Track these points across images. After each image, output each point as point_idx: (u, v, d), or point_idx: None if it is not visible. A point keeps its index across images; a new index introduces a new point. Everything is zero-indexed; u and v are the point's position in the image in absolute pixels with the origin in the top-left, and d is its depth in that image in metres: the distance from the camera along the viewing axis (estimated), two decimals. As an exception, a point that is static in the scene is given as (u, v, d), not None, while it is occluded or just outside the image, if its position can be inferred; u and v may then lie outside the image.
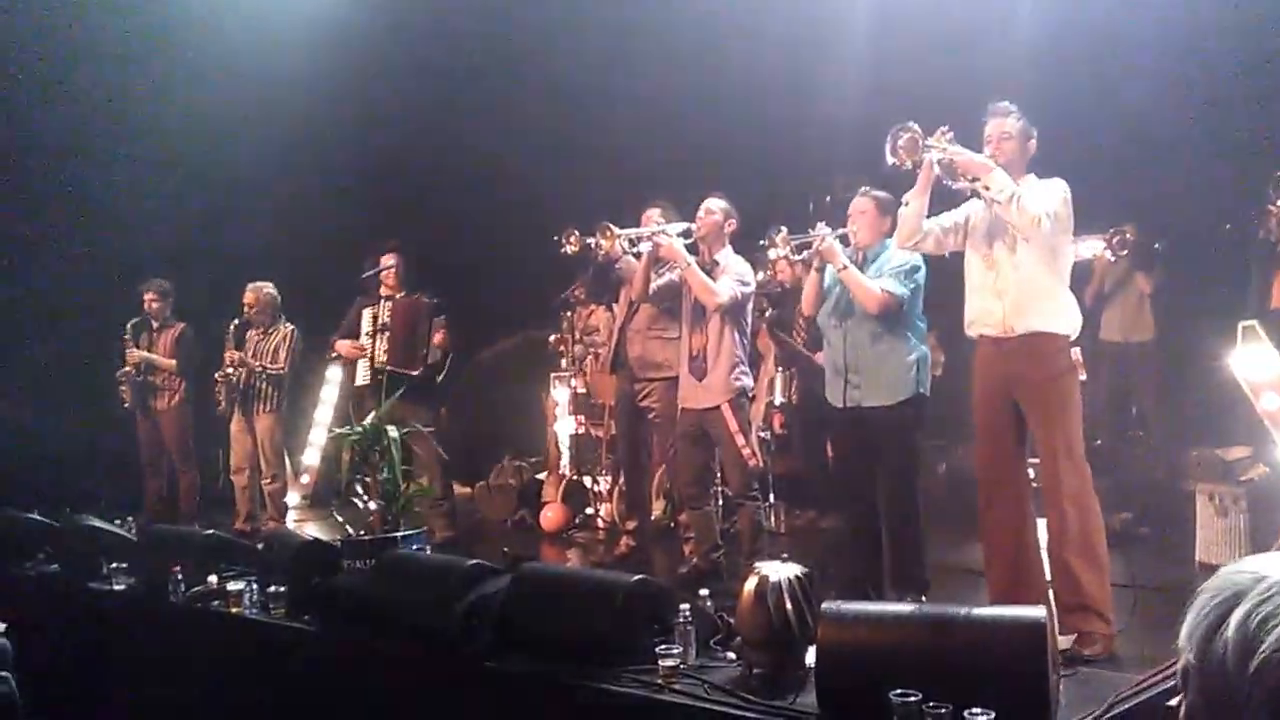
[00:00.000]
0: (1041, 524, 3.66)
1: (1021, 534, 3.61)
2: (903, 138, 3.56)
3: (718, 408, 4.56)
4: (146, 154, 7.36)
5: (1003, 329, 3.55)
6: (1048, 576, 3.60)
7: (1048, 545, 3.57)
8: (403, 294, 6.06)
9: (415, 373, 5.84)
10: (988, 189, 3.50)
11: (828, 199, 6.03)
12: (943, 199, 3.82)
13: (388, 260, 6.05)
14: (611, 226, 4.72)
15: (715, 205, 4.71)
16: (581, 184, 7.11)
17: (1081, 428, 3.55)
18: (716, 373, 4.57)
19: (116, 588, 4.15)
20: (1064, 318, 3.55)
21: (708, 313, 4.62)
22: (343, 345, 6.11)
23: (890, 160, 3.60)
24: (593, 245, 4.92)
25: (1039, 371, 3.50)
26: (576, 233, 4.94)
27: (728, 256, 4.69)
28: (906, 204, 3.75)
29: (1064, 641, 3.31)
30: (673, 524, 5.77)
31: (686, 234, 4.69)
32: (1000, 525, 3.63)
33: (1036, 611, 2.45)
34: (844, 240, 4.23)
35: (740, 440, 4.52)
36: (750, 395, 4.74)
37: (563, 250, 5.00)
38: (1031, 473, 5.23)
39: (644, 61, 7.56)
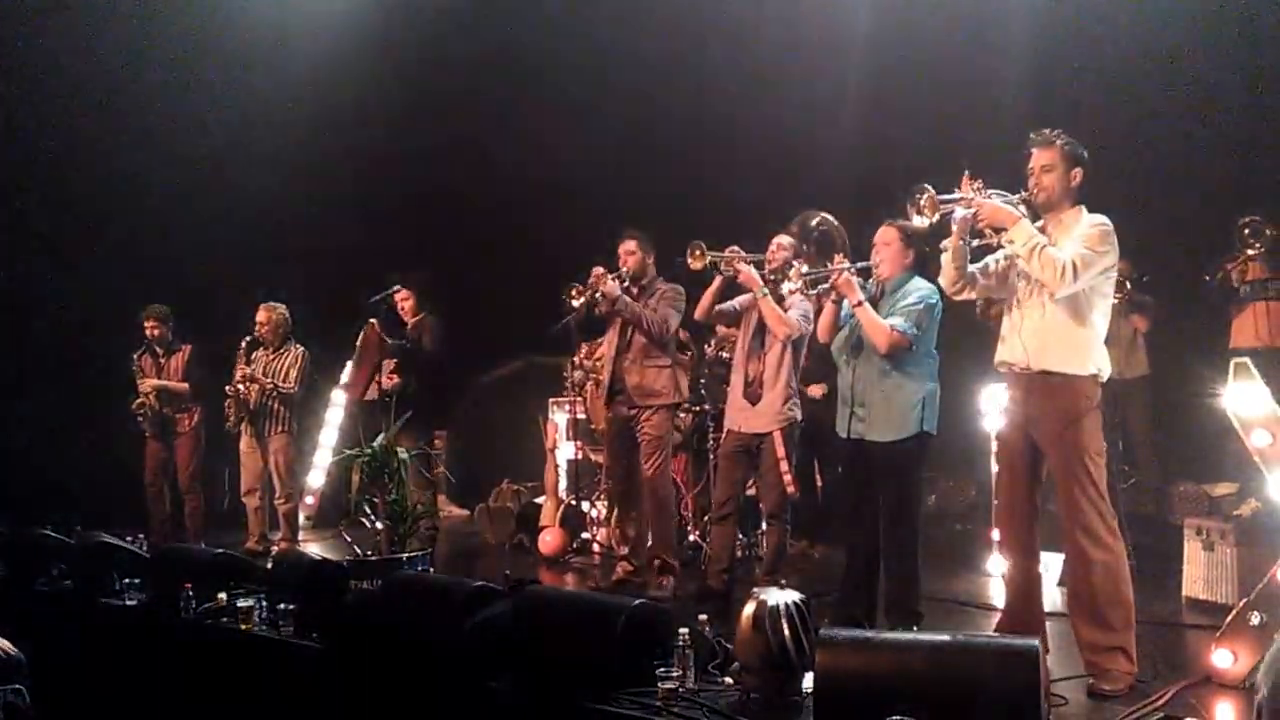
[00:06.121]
0: (1059, 557, 3.70)
1: (1026, 563, 3.64)
2: (922, 198, 3.46)
3: (769, 434, 4.70)
4: (167, 176, 7.50)
5: (1024, 366, 3.54)
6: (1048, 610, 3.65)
7: (1066, 579, 3.57)
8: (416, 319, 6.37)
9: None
10: (1011, 242, 3.40)
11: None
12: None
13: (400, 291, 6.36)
14: (702, 246, 4.83)
15: (786, 241, 4.84)
16: (588, 213, 7.24)
17: (1104, 467, 3.50)
18: (771, 401, 4.71)
19: (129, 603, 4.21)
20: (1085, 358, 3.48)
21: (768, 342, 4.75)
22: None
23: (916, 220, 3.50)
24: (598, 296, 5.10)
25: (1057, 412, 3.46)
26: (579, 286, 5.16)
27: (796, 294, 4.78)
28: (945, 249, 3.64)
29: (1085, 678, 3.31)
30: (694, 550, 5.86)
31: (759, 265, 4.79)
32: (1008, 553, 3.71)
33: (1029, 641, 2.53)
34: (865, 273, 4.24)
35: (784, 466, 4.66)
36: (799, 426, 4.84)
37: (568, 304, 5.18)
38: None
39: (659, 89, 7.70)
